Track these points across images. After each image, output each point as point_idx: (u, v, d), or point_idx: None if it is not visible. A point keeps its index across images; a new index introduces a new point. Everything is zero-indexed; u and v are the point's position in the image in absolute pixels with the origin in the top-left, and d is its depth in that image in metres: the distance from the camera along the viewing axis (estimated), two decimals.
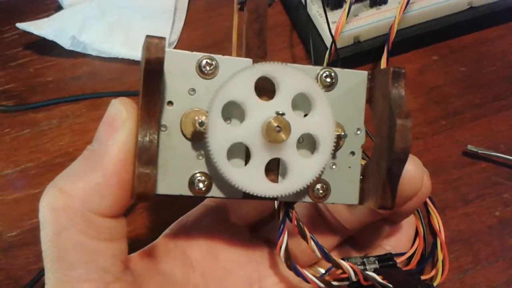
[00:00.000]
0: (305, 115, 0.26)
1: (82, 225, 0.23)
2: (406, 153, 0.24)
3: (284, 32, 0.51)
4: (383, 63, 0.41)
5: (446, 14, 0.45)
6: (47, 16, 0.52)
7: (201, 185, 0.25)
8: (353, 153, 0.28)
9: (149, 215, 0.41)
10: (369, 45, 0.45)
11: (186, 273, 0.29)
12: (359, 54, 0.44)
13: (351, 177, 0.28)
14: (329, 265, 0.28)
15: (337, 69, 0.27)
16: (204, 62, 0.26)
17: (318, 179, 0.27)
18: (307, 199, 0.27)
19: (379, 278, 0.28)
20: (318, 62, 0.46)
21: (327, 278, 0.29)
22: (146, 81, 0.23)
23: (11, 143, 0.46)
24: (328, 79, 0.27)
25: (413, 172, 0.27)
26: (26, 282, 0.38)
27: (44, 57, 0.53)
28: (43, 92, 0.50)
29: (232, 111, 0.26)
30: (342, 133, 0.26)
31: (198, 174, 0.25)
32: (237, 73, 0.25)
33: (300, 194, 0.27)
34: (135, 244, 0.29)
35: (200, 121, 0.24)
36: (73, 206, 0.23)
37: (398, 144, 0.24)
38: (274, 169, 0.26)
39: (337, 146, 0.27)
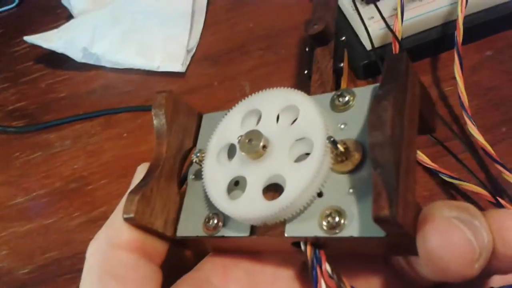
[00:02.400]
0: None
1: None
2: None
3: None
4: (456, 66, 0.36)
5: (501, 2, 0.39)
6: (58, 26, 0.49)
7: (212, 224, 0.25)
8: None
9: None
10: (414, 42, 0.39)
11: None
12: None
13: None
14: None
15: (354, 89, 0.25)
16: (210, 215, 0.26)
17: (330, 207, 0.22)
18: (318, 231, 0.22)
19: None
20: (353, 65, 0.40)
21: None
22: None
23: (21, 168, 0.43)
24: (341, 99, 0.24)
25: None
26: None
27: (56, 71, 0.50)
28: (56, 109, 0.47)
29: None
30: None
31: (211, 215, 0.25)
32: (222, 120, 0.27)
33: (309, 227, 0.22)
34: None
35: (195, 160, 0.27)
36: None
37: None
38: (274, 189, 0.24)
39: (337, 154, 0.22)
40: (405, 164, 0.19)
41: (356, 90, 0.24)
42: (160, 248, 0.26)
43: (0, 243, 0.39)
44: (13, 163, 0.43)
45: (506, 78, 0.39)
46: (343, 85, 0.31)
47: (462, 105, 0.36)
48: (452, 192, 0.34)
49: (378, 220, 0.18)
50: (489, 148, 0.34)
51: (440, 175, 0.34)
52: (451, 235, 0.18)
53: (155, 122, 0.27)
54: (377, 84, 0.23)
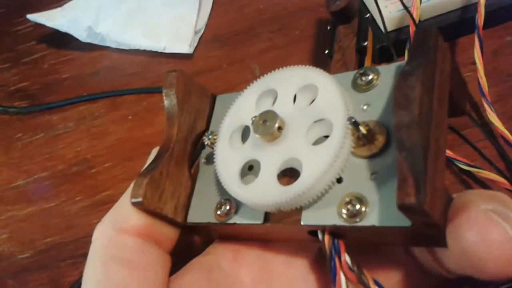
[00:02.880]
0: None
1: None
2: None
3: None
4: (477, 50, 0.34)
5: None
6: (63, 4, 0.47)
7: (224, 210, 0.24)
8: None
9: None
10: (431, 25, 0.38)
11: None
12: None
13: None
14: None
15: (378, 67, 0.23)
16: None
17: (351, 193, 0.20)
18: (337, 220, 0.20)
19: None
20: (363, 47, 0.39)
21: None
22: None
23: (23, 149, 0.42)
24: (364, 78, 0.23)
25: None
26: None
27: (60, 51, 0.48)
28: (59, 90, 0.45)
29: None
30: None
31: (223, 201, 0.24)
32: (236, 101, 0.25)
33: (327, 215, 0.21)
34: None
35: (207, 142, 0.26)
36: None
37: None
38: (290, 174, 0.23)
39: (358, 137, 0.21)
40: (434, 148, 0.18)
41: (380, 68, 0.23)
42: (169, 233, 0.25)
43: (0, 226, 0.38)
44: (15, 144, 0.42)
45: None
46: (367, 65, 0.29)
47: (481, 91, 0.34)
48: (470, 182, 0.33)
49: (403, 208, 0.17)
50: (509, 136, 0.32)
51: (456, 162, 0.33)
52: (490, 230, 0.17)
53: (165, 102, 0.26)
54: (403, 61, 0.21)
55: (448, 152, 0.33)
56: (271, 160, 0.22)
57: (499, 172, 0.31)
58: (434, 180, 0.17)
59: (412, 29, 0.36)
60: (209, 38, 0.46)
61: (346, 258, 0.20)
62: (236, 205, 0.24)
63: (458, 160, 0.33)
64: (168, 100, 0.26)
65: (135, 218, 0.23)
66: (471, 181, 0.33)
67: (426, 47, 0.20)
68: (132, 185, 0.23)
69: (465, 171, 0.33)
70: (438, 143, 0.18)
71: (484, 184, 0.33)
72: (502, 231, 0.17)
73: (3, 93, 0.46)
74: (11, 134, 0.43)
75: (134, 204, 0.23)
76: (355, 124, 0.20)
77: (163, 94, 0.26)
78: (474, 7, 0.36)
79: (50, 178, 0.40)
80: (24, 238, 0.37)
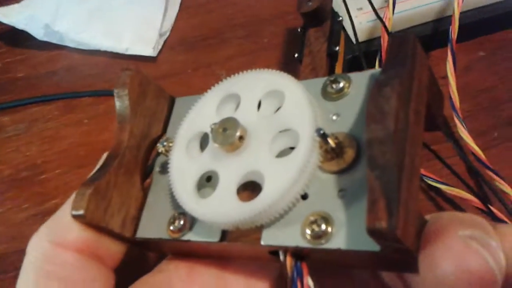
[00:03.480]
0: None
1: None
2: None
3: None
4: (449, 64, 0.33)
5: (497, 0, 0.37)
6: (19, 1, 0.45)
7: (178, 225, 0.22)
8: None
9: None
10: None
11: None
12: None
13: None
14: None
15: (350, 74, 0.21)
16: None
17: (316, 212, 0.19)
18: (300, 241, 0.19)
19: None
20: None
21: None
22: None
23: None
24: (334, 85, 0.21)
25: None
26: None
27: (16, 49, 0.46)
28: (12, 90, 0.43)
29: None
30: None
31: (177, 215, 0.22)
32: (195, 105, 0.23)
33: (289, 235, 0.19)
34: None
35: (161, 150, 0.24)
36: None
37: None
38: (252, 188, 0.21)
39: (327, 150, 0.19)
40: (408, 166, 0.16)
41: (352, 75, 0.21)
42: (115, 249, 0.23)
43: None
44: None
45: (499, 81, 0.36)
46: (338, 71, 0.28)
47: (453, 106, 0.33)
48: (438, 199, 0.32)
49: (373, 232, 0.15)
50: (480, 153, 0.31)
51: (426, 179, 0.32)
52: (468, 259, 0.15)
53: (117, 104, 0.24)
54: (377, 70, 0.20)
55: None
56: (231, 172, 0.21)
57: (469, 189, 0.30)
58: (408, 202, 0.16)
59: (384, 39, 0.35)
60: (175, 41, 0.44)
61: (309, 282, 0.19)
62: (191, 220, 0.22)
63: (427, 176, 0.31)
64: (120, 102, 0.24)
65: (74, 232, 0.21)
66: (439, 198, 0.32)
67: (403, 55, 0.18)
68: (74, 194, 0.21)
69: (433, 188, 0.31)
70: (414, 161, 0.17)
71: (452, 201, 0.31)
72: (481, 260, 0.15)
73: None
74: None
75: (75, 217, 0.21)
76: (324, 136, 0.19)
77: (115, 94, 0.23)
78: (448, 20, 0.35)
79: None
80: None
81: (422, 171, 0.31)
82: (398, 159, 0.16)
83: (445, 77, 0.34)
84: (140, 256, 0.29)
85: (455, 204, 0.31)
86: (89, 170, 0.23)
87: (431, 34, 0.37)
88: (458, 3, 0.34)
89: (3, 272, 0.33)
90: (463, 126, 0.32)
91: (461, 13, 0.35)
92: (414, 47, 0.18)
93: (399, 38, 0.19)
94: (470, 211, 0.31)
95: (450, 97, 0.33)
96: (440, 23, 0.37)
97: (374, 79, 0.20)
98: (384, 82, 0.17)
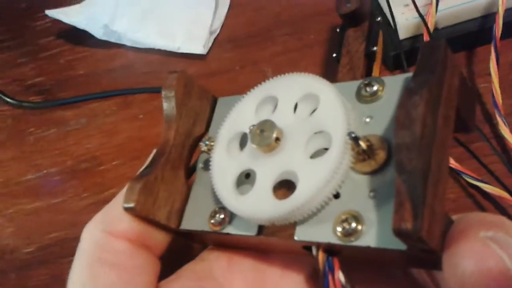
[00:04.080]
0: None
1: None
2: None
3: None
4: (493, 62, 0.33)
5: None
6: (80, 2, 0.48)
7: (218, 219, 0.23)
8: None
9: None
10: (449, 34, 0.37)
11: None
12: None
13: None
14: None
15: (384, 78, 0.22)
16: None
17: (347, 211, 0.20)
18: (332, 238, 0.20)
19: None
20: (383, 55, 0.38)
21: None
22: None
23: (34, 144, 0.42)
24: (368, 89, 0.22)
25: None
26: None
27: (77, 48, 0.49)
28: (73, 86, 0.46)
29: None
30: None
31: (217, 209, 0.24)
32: (235, 106, 0.25)
33: (321, 232, 0.20)
34: None
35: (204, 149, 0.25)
36: None
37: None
38: (287, 186, 0.22)
39: (358, 152, 0.20)
40: (435, 172, 0.17)
41: (386, 79, 0.22)
42: (161, 239, 0.25)
43: (6, 219, 0.38)
44: (27, 138, 0.42)
45: None
46: (375, 71, 0.28)
47: (495, 103, 0.33)
48: (477, 196, 0.32)
49: (398, 233, 0.16)
50: None
51: (464, 176, 0.32)
52: (486, 260, 0.16)
53: (164, 105, 0.25)
54: (410, 74, 0.21)
55: (456, 165, 0.32)
56: (267, 171, 0.22)
57: (505, 189, 0.30)
58: (433, 204, 0.17)
59: (426, 38, 0.35)
60: (224, 39, 0.46)
61: (340, 276, 0.20)
62: (231, 214, 0.23)
63: (466, 174, 0.32)
64: (167, 103, 0.25)
65: (125, 223, 0.23)
66: (479, 195, 0.32)
67: (434, 62, 0.19)
68: (125, 187, 0.23)
69: (472, 185, 0.32)
70: (441, 165, 0.18)
71: (492, 199, 0.32)
72: (498, 261, 0.16)
73: (20, 87, 0.47)
74: (24, 128, 0.43)
75: (126, 209, 0.23)
76: (355, 139, 0.20)
77: (162, 96, 0.25)
78: (492, 17, 0.35)
79: (59, 173, 0.40)
80: (29, 233, 0.37)
81: (461, 168, 0.32)
82: (424, 166, 0.17)
83: (489, 74, 0.34)
84: (184, 245, 0.30)
85: (495, 202, 0.31)
86: (143, 162, 0.25)
87: (476, 31, 0.37)
88: (502, 1, 0.34)
89: (63, 256, 0.36)
90: (505, 124, 0.32)
91: (506, 10, 0.35)
92: (445, 53, 0.19)
93: (430, 44, 0.19)
94: (507, 209, 0.31)
95: (493, 95, 0.33)
96: (485, 20, 0.37)
97: (405, 85, 0.21)
98: (414, 90, 0.18)
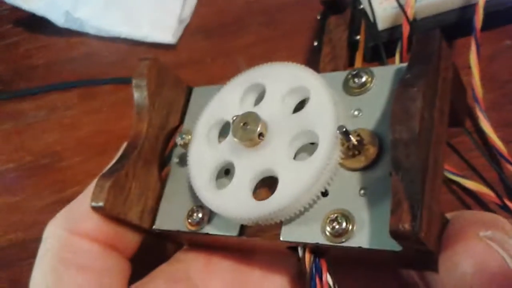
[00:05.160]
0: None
1: None
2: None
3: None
4: (473, 54, 0.32)
5: None
6: None
7: (196, 218, 0.22)
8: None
9: None
10: (428, 25, 0.36)
11: None
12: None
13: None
14: None
15: (372, 68, 0.21)
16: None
17: (337, 210, 0.19)
18: (320, 238, 0.19)
19: None
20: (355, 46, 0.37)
21: None
22: None
23: None
24: (356, 80, 0.21)
25: None
26: None
27: (37, 36, 0.46)
28: (33, 77, 0.43)
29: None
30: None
31: (195, 208, 0.22)
32: (218, 93, 0.23)
33: (309, 232, 0.19)
34: None
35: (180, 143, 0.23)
36: None
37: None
38: (270, 183, 0.21)
39: (348, 147, 0.19)
40: (432, 168, 0.16)
41: (375, 69, 0.21)
42: (131, 239, 0.23)
43: None
44: None
45: None
46: (358, 61, 0.27)
47: (475, 97, 0.32)
48: (460, 193, 0.31)
49: (395, 234, 0.15)
50: (500, 146, 0.31)
51: (445, 172, 0.31)
52: (487, 260, 0.15)
53: (135, 95, 0.24)
54: (402, 65, 0.19)
55: None
56: (247, 168, 0.20)
57: (486, 184, 0.30)
58: (431, 204, 0.16)
59: (405, 29, 0.34)
60: (195, 28, 0.44)
61: (328, 279, 0.19)
62: (210, 213, 0.22)
63: (446, 170, 0.31)
64: (138, 92, 0.24)
65: (92, 222, 0.21)
66: (460, 191, 0.31)
67: (429, 52, 0.18)
68: (93, 184, 0.21)
69: (453, 181, 0.31)
70: (437, 161, 0.17)
71: (473, 195, 0.31)
72: (500, 261, 0.15)
73: None
74: None
75: (94, 208, 0.21)
76: (346, 134, 0.19)
77: (133, 85, 0.24)
78: (472, 8, 0.34)
79: (17, 170, 0.38)
80: None
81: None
82: (422, 162, 0.16)
83: (469, 67, 0.33)
84: (157, 245, 0.29)
85: (476, 198, 0.31)
86: (108, 158, 0.24)
87: (456, 22, 0.36)
88: None
89: (22, 259, 0.34)
90: (485, 118, 0.32)
91: (487, 0, 0.34)
92: (440, 44, 0.18)
93: (424, 34, 0.18)
94: (492, 206, 0.30)
95: (473, 88, 0.32)
96: (465, 11, 0.36)
97: (400, 77, 0.20)
98: (410, 82, 0.17)
